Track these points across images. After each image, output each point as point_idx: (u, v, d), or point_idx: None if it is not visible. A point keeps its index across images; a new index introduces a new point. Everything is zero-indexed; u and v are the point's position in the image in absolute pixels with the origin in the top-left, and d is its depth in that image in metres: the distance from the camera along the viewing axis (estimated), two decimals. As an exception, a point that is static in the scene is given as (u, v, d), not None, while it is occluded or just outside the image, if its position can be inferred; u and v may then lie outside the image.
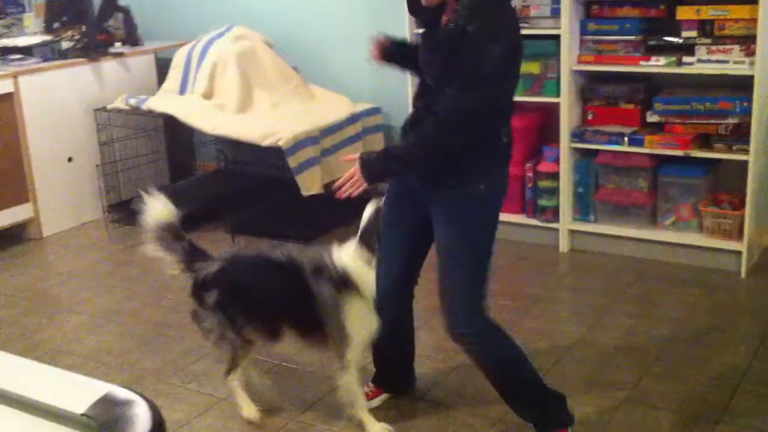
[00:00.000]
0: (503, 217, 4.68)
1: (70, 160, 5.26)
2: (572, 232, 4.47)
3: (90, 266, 4.70)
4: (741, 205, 4.07)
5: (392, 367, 3.18)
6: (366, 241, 2.84)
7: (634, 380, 3.22)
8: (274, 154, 5.23)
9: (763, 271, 4.12)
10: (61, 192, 5.23)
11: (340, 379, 2.91)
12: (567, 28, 4.20)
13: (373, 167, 2.60)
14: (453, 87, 2.46)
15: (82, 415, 1.51)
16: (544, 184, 4.49)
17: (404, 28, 4.69)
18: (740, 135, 3.98)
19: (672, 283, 4.04)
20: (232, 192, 5.25)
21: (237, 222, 4.92)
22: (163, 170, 5.64)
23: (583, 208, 4.45)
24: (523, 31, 4.41)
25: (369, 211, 2.88)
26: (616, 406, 3.04)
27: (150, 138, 5.46)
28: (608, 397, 3.11)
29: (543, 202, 4.52)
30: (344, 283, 2.83)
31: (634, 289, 4.01)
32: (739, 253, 4.06)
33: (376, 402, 3.14)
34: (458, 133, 2.51)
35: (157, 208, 3.06)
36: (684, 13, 4.02)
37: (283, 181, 5.48)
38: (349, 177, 2.62)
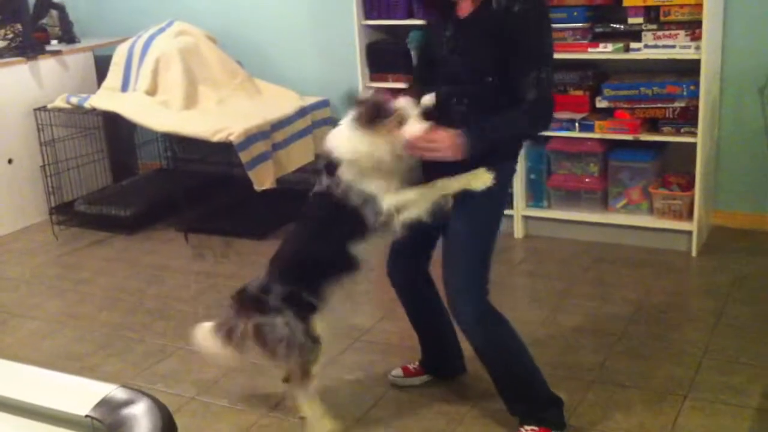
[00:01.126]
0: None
1: (10, 161, 5.11)
2: (526, 218, 4.52)
3: (38, 270, 4.57)
4: (689, 186, 4.18)
5: (432, 350, 3.16)
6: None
7: (600, 361, 3.27)
8: (221, 150, 5.17)
9: (713, 250, 4.23)
10: (2, 195, 5.08)
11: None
12: (516, 16, 4.24)
13: (470, 148, 2.48)
14: (534, 70, 2.46)
15: (86, 416, 1.47)
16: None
17: (351, 20, 4.67)
18: (688, 118, 4.07)
19: (627, 264, 4.12)
20: (180, 190, 5.17)
21: (188, 220, 4.85)
22: (105, 170, 5.52)
23: (537, 194, 4.51)
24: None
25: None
26: (585, 387, 3.09)
27: (91, 137, 5.34)
28: (577, 378, 3.16)
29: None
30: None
31: (590, 272, 4.08)
32: (689, 233, 4.16)
33: (417, 381, 3.16)
34: (551, 108, 2.56)
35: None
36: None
37: (231, 177, 5.44)
38: (435, 141, 2.48)
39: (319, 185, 2.73)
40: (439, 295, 2.92)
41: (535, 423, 2.78)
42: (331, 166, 2.66)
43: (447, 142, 2.47)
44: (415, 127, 2.53)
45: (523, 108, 2.51)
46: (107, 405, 1.48)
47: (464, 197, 2.63)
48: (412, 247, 2.87)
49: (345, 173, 2.62)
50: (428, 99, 2.65)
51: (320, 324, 2.75)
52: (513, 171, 2.79)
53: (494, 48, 2.51)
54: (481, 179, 2.58)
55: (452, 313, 2.76)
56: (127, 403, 1.48)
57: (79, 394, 1.52)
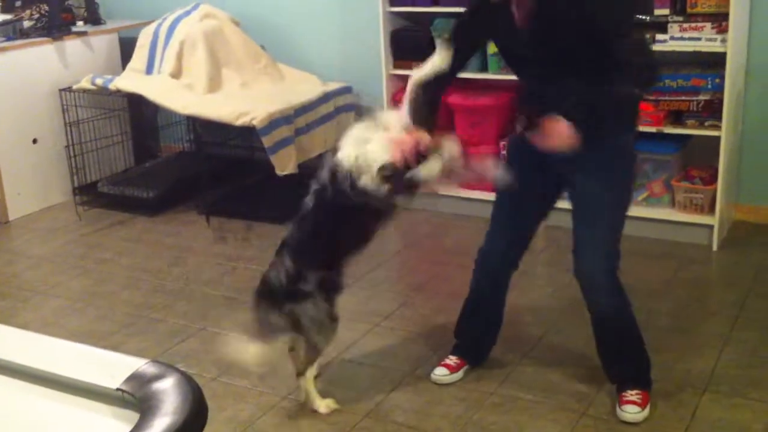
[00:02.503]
0: (476, 194, 4.79)
1: (35, 141, 5.16)
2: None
3: (61, 249, 4.62)
4: (712, 180, 4.16)
5: (477, 338, 3.20)
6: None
7: (619, 352, 3.28)
8: (243, 134, 5.20)
9: (734, 244, 4.22)
10: (27, 174, 5.13)
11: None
12: (542, 6, 4.23)
13: (584, 112, 2.52)
14: (617, 34, 2.51)
15: (117, 389, 1.50)
16: (518, 161, 4.52)
17: (376, 6, 4.68)
18: (712, 111, 4.05)
19: (647, 257, 4.11)
20: (202, 173, 5.19)
21: (209, 203, 4.87)
22: (128, 151, 5.56)
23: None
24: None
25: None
26: (604, 378, 3.07)
27: (115, 119, 5.38)
28: (596, 368, 3.13)
29: (518, 179, 4.55)
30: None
31: (610, 263, 4.07)
32: (710, 227, 4.15)
33: (461, 374, 3.16)
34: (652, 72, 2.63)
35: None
36: (657, -9, 4.08)
37: (253, 161, 5.46)
38: (555, 132, 2.52)
39: (342, 186, 2.74)
40: (508, 285, 3.08)
41: (638, 387, 2.89)
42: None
43: (562, 135, 2.51)
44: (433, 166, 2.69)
45: (620, 72, 2.52)
46: (138, 379, 1.50)
47: (604, 162, 2.68)
48: (506, 247, 2.95)
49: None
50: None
51: (337, 303, 2.89)
52: (636, 134, 2.84)
53: (577, 29, 2.51)
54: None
55: (583, 274, 2.81)
56: (157, 377, 1.50)
57: (110, 367, 1.54)
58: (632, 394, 2.87)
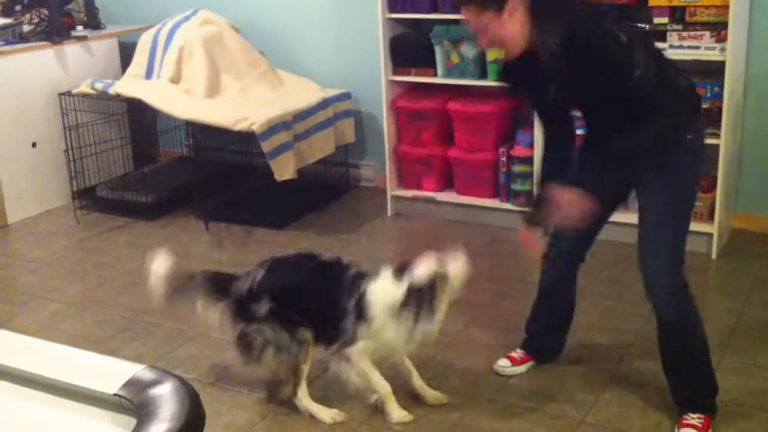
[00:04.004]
0: (476, 201, 4.78)
1: (34, 145, 5.16)
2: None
3: (59, 253, 4.62)
4: (711, 188, 4.17)
5: (547, 334, 3.25)
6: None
7: (616, 359, 3.28)
8: (241, 139, 5.21)
9: (733, 252, 4.22)
10: (26, 178, 5.13)
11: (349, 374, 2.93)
12: (541, 13, 4.23)
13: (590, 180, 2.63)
14: (624, 79, 2.50)
15: (115, 395, 1.50)
16: (517, 168, 4.54)
17: (375, 13, 4.68)
18: (711, 120, 4.05)
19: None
20: (201, 178, 5.19)
21: (208, 208, 4.87)
22: (127, 156, 5.56)
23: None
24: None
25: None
26: (601, 386, 3.10)
27: (114, 123, 5.38)
28: (593, 376, 3.17)
29: (516, 186, 4.57)
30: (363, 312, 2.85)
31: (607, 271, 4.07)
32: (709, 235, 4.15)
33: (524, 368, 3.21)
34: (649, 92, 2.56)
35: (160, 266, 2.99)
36: (656, -1, 4.09)
37: (252, 166, 5.47)
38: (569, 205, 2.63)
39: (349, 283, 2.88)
40: (576, 281, 3.14)
41: (700, 410, 2.80)
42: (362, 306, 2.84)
43: (574, 208, 2.60)
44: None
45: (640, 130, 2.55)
46: (135, 384, 1.51)
47: (662, 169, 2.66)
48: (574, 244, 2.98)
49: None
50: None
51: (307, 331, 2.90)
52: (696, 142, 2.75)
53: (586, 75, 2.53)
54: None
55: (648, 284, 2.77)
56: (154, 382, 1.51)
57: (108, 373, 1.55)
58: (693, 418, 2.79)
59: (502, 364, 3.21)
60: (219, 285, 2.97)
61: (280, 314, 2.86)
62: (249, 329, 2.88)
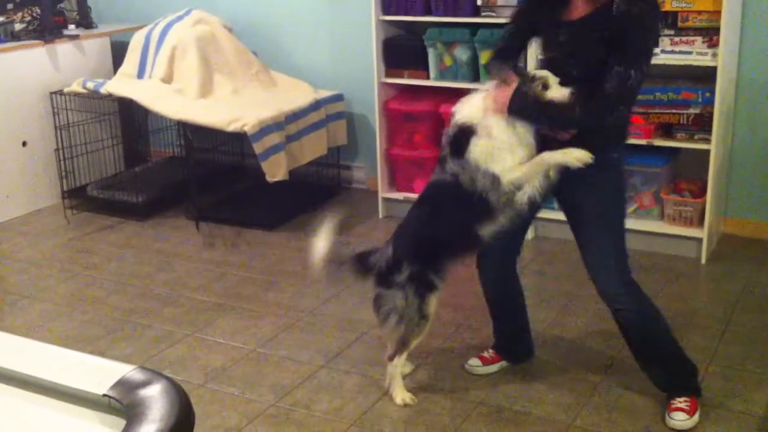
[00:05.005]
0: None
1: (24, 144, 5.14)
2: (536, 219, 4.51)
3: (49, 253, 4.60)
4: (701, 193, 4.19)
5: (510, 335, 3.29)
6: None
7: (607, 363, 3.29)
8: (233, 140, 5.21)
9: (722, 257, 4.23)
10: (16, 177, 5.12)
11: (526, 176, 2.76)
12: (534, 17, 4.24)
13: (522, 102, 2.66)
14: (622, 65, 2.57)
15: (104, 395, 1.49)
16: (509, 171, 4.53)
17: (369, 13, 4.68)
18: (702, 125, 4.07)
19: (635, 269, 4.02)
20: (192, 179, 5.19)
21: (199, 209, 4.86)
22: (118, 156, 5.54)
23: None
24: (490, 20, 4.51)
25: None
26: (591, 389, 3.11)
27: (106, 123, 5.36)
28: (583, 380, 3.18)
29: (507, 189, 4.56)
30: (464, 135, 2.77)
31: (598, 275, 4.08)
32: (699, 240, 4.17)
33: (495, 368, 3.25)
34: (619, 107, 2.67)
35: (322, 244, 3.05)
36: (648, 4, 4.09)
37: (243, 167, 5.47)
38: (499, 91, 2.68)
39: (444, 173, 2.83)
40: (519, 282, 3.20)
41: (685, 393, 2.92)
42: (459, 142, 2.76)
43: (498, 100, 2.67)
44: (559, 92, 2.68)
45: (598, 96, 2.61)
46: (125, 385, 1.50)
47: (592, 188, 2.78)
48: (504, 243, 2.98)
49: (474, 152, 2.72)
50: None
51: (435, 302, 2.93)
52: (626, 151, 2.92)
53: (607, 48, 2.61)
54: (576, 156, 2.67)
55: (601, 289, 2.88)
56: (144, 383, 1.50)
57: (97, 373, 1.54)
58: (680, 402, 2.90)
59: (473, 363, 3.26)
60: (364, 264, 3.01)
61: (420, 278, 2.88)
62: (384, 293, 2.94)
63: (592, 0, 2.66)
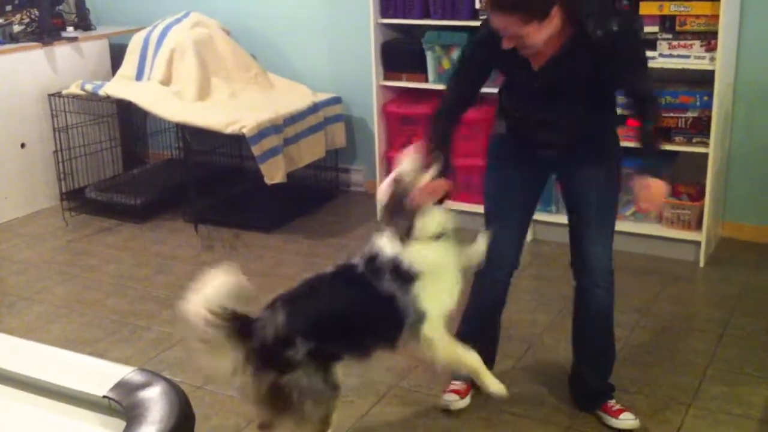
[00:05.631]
0: (464, 207, 4.78)
1: (23, 146, 5.14)
2: (534, 222, 4.52)
3: (47, 255, 4.60)
4: (699, 196, 4.19)
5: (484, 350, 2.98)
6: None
7: (605, 366, 3.29)
8: (231, 142, 5.21)
9: (720, 261, 4.24)
10: (14, 179, 5.12)
11: (437, 356, 2.58)
12: (532, 20, 4.25)
13: (659, 165, 2.76)
14: (635, 72, 2.63)
15: (104, 397, 1.49)
16: (507, 174, 4.54)
17: (367, 16, 4.68)
18: (700, 128, 4.08)
19: (633, 272, 4.12)
20: (190, 181, 5.19)
21: (197, 211, 4.86)
22: (117, 158, 5.54)
23: (545, 198, 4.50)
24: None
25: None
26: (589, 392, 3.11)
27: (104, 125, 5.36)
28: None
29: (506, 192, 4.57)
30: (403, 274, 2.50)
31: (597, 278, 4.09)
32: (697, 243, 4.17)
33: (469, 399, 3.05)
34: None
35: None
36: (647, 8, 4.08)
37: (241, 170, 5.47)
38: (654, 196, 2.69)
39: (379, 282, 2.52)
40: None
41: (612, 398, 2.97)
42: (400, 275, 2.50)
43: (659, 196, 2.71)
44: (428, 182, 2.53)
45: (649, 102, 2.70)
46: (125, 387, 1.50)
47: (591, 173, 2.80)
48: (517, 233, 2.98)
49: (417, 286, 2.50)
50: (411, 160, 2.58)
51: (341, 371, 2.53)
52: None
53: (592, 71, 2.61)
54: (495, 387, 2.62)
55: (597, 273, 2.86)
56: (144, 385, 1.50)
57: (97, 375, 1.54)
58: (614, 403, 2.93)
59: (449, 398, 3.03)
60: (240, 329, 2.43)
61: (318, 353, 2.45)
62: (282, 380, 2.42)
63: (555, 38, 2.52)
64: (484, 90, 2.85)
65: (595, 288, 2.87)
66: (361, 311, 2.54)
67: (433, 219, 2.55)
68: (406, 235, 2.52)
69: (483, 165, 4.57)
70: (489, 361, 3.08)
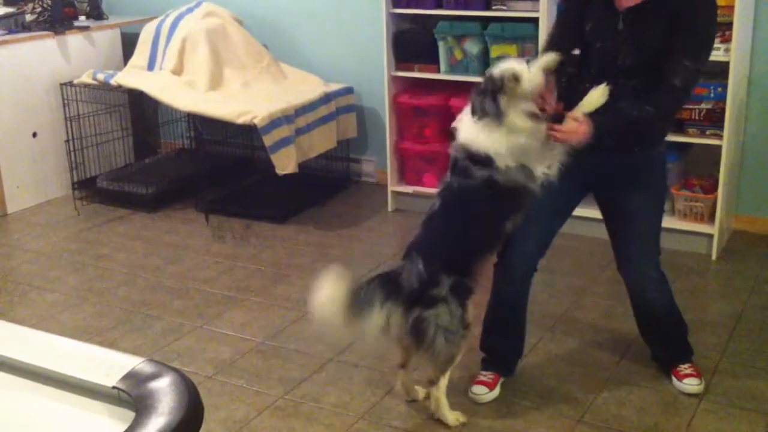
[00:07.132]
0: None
1: (34, 135, 5.15)
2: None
3: (59, 244, 4.61)
4: (712, 189, 4.16)
5: (507, 348, 3.14)
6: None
7: (616, 360, 3.27)
8: (243, 132, 5.20)
9: (733, 253, 4.21)
10: (26, 168, 5.13)
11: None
12: (545, 10, 4.23)
13: (602, 127, 2.65)
14: (688, 57, 2.63)
15: (113, 388, 1.49)
16: (519, 166, 4.52)
17: (379, 6, 4.67)
18: (714, 120, 4.05)
19: (645, 265, 4.10)
20: (201, 171, 5.19)
21: (208, 201, 4.86)
22: (128, 147, 5.55)
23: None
24: (501, 14, 4.48)
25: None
26: (600, 385, 3.09)
27: (116, 114, 5.37)
28: (592, 375, 3.16)
29: (518, 184, 4.55)
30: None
31: (608, 271, 4.05)
32: (710, 236, 4.15)
33: (497, 391, 3.06)
34: (686, 100, 2.84)
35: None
36: (661, -1, 4.06)
37: (252, 160, 5.47)
38: (574, 130, 2.63)
39: (472, 179, 2.68)
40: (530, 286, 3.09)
41: (687, 361, 3.10)
42: (480, 161, 2.67)
43: (576, 134, 2.63)
44: (532, 77, 2.61)
45: (660, 94, 2.68)
46: (134, 377, 1.50)
47: (643, 175, 2.87)
48: (536, 242, 2.98)
49: (502, 163, 2.65)
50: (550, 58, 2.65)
51: (472, 308, 2.82)
52: (664, 156, 2.98)
53: (666, 34, 2.65)
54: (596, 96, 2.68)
55: (640, 280, 2.98)
56: (153, 376, 1.50)
57: (107, 365, 1.54)
58: (686, 368, 3.06)
59: (478, 391, 3.03)
60: (391, 285, 2.73)
61: (458, 288, 2.73)
62: (425, 314, 2.70)
63: None
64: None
65: (650, 299, 3.03)
66: (480, 212, 2.74)
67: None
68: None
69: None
70: (516, 355, 3.18)
